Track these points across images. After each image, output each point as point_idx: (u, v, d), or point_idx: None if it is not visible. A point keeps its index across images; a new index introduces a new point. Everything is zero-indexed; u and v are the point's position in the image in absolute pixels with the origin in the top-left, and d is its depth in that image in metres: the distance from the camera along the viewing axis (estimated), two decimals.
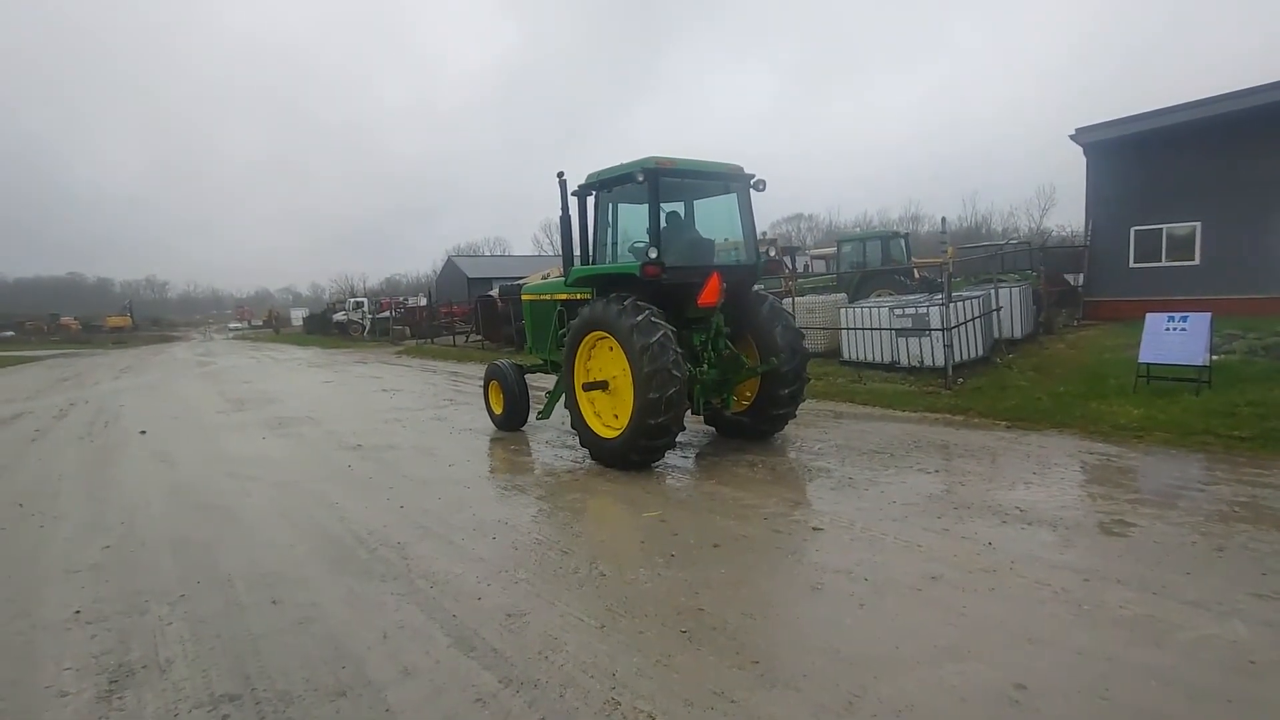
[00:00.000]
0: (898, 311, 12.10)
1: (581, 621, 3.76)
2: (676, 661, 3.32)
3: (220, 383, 17.59)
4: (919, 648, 3.35)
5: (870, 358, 12.60)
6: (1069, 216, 58.16)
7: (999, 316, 13.19)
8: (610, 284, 7.21)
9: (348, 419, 10.87)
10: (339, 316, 41.82)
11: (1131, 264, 17.86)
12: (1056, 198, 64.45)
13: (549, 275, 32.55)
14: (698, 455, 7.48)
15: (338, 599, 4.20)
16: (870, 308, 12.84)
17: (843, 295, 16.63)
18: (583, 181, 7.62)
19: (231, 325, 74.04)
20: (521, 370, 9.26)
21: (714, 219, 7.84)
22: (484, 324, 23.99)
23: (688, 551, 4.71)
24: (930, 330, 11.42)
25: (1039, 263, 18.72)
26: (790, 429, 8.19)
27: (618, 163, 7.24)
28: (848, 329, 12.98)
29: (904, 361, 11.97)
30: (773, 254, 7.15)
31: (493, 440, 8.75)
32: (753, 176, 7.51)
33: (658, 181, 6.87)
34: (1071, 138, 18.59)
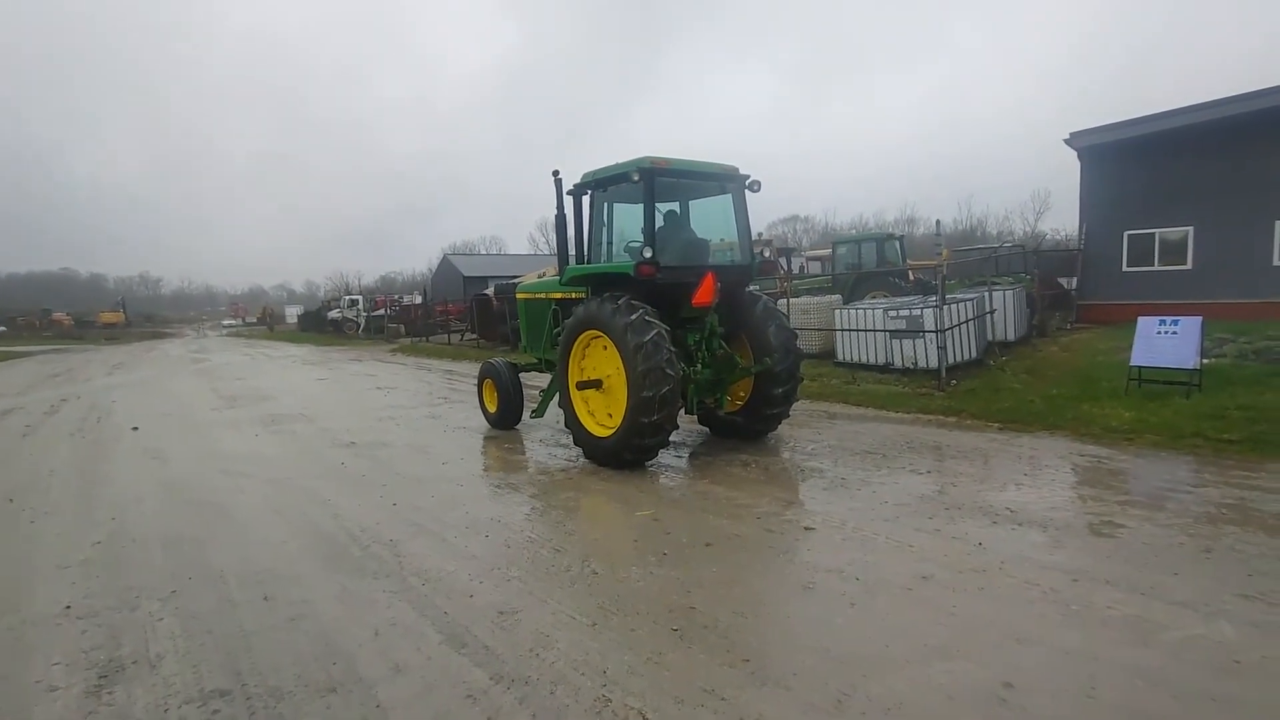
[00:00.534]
0: (892, 313, 12.15)
1: (573, 619, 3.77)
2: (668, 659, 3.33)
3: (213, 379, 17.52)
4: (909, 647, 3.37)
5: (864, 359, 12.64)
6: (1063, 220, 58.56)
7: (993, 319, 13.25)
8: (605, 283, 7.22)
9: (341, 416, 10.85)
10: (334, 314, 41.69)
11: (1124, 268, 17.95)
12: (1051, 201, 64.80)
13: (544, 274, 32.56)
14: (691, 455, 7.50)
15: (330, 596, 4.20)
16: (865, 309, 12.89)
17: (838, 297, 16.69)
18: (578, 181, 7.62)
19: (225, 322, 73.71)
20: (516, 369, 9.26)
21: (709, 219, 7.84)
22: (479, 322, 23.96)
23: (680, 550, 4.72)
24: (924, 332, 11.47)
25: (1033, 266, 18.82)
26: (784, 429, 8.21)
27: (613, 162, 7.25)
28: (842, 330, 13.02)
29: (898, 363, 12.01)
30: (768, 255, 7.20)
31: (486, 438, 8.75)
32: (748, 177, 7.53)
33: (653, 181, 6.88)
34: (1066, 141, 18.68)
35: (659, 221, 7.17)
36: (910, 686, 3.03)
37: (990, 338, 13.12)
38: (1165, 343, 8.75)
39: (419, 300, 38.15)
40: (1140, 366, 8.90)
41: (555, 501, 6.03)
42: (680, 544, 4.84)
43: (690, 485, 6.35)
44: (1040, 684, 3.00)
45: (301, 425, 10.16)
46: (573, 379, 7.34)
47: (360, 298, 45.40)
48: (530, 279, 30.58)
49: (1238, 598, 3.71)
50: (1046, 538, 4.67)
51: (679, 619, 3.72)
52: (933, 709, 2.87)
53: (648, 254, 6.75)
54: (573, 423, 7.28)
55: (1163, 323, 8.86)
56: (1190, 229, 16.88)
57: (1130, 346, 9.11)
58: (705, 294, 6.91)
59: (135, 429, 10.24)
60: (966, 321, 11.84)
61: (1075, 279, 18.93)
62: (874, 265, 19.40)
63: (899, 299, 14.40)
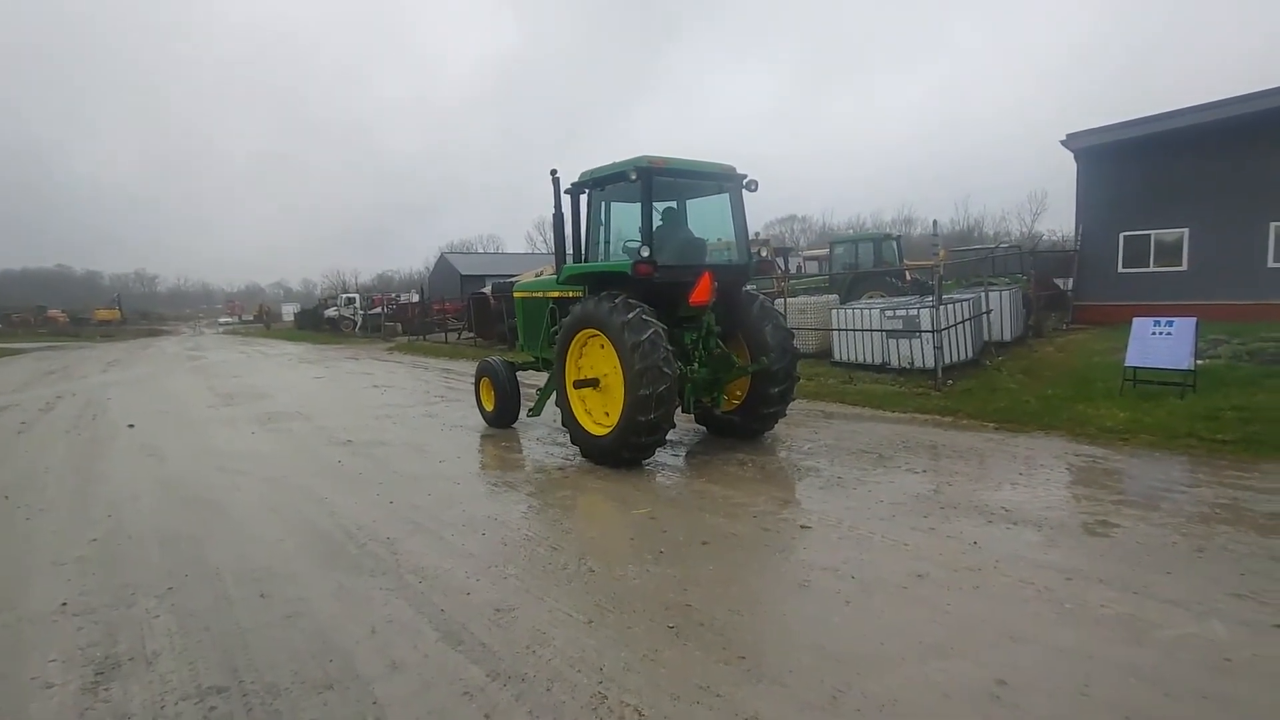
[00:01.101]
0: (889, 313, 12.17)
1: (570, 617, 3.78)
2: (664, 657, 3.34)
3: (209, 377, 17.49)
4: (904, 645, 3.38)
5: (861, 359, 12.67)
6: (1060, 221, 58.60)
7: (989, 319, 13.29)
8: (602, 282, 7.21)
9: (338, 415, 10.84)
10: (330, 312, 41.63)
11: (1120, 269, 18.02)
12: (1048, 202, 65.03)
13: (542, 273, 32.54)
14: (688, 453, 7.51)
15: (326, 593, 4.20)
16: (862, 309, 12.92)
17: (835, 296, 16.72)
18: (576, 180, 7.62)
19: (221, 320, 73.52)
20: (513, 367, 9.24)
21: (707, 219, 7.84)
22: (476, 321, 23.95)
23: (677, 548, 4.74)
24: (921, 332, 11.50)
25: (1029, 266, 18.88)
26: (780, 428, 8.23)
27: (611, 161, 7.25)
28: (839, 330, 13.04)
29: (894, 363, 12.04)
30: (765, 254, 7.20)
31: (483, 437, 8.76)
32: (745, 176, 7.53)
33: (651, 180, 6.88)
34: (1062, 143, 18.73)
35: (656, 220, 7.18)
36: (905, 684, 3.04)
37: (986, 338, 13.16)
38: (1160, 343, 8.79)
39: (416, 299, 38.10)
40: (1135, 367, 8.94)
41: (552, 500, 6.04)
42: (677, 542, 4.85)
43: (687, 484, 6.36)
44: (1034, 682, 3.02)
45: (298, 423, 10.15)
46: (570, 377, 7.33)
47: (357, 296, 45.35)
48: (527, 278, 30.60)
49: (1230, 597, 3.73)
50: (1041, 537, 4.69)
51: (675, 616, 3.74)
52: (928, 706, 2.89)
53: (645, 253, 6.75)
54: (570, 421, 7.28)
55: (1158, 323, 8.90)
56: (1186, 230, 16.95)
57: (1125, 347, 9.14)
58: (702, 293, 6.93)
59: (131, 426, 10.22)
60: (963, 322, 11.88)
61: (1071, 280, 19.00)
62: (871, 265, 19.44)
63: (896, 299, 14.43)
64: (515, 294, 9.83)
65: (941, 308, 10.90)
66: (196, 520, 5.73)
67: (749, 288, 8.00)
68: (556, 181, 7.62)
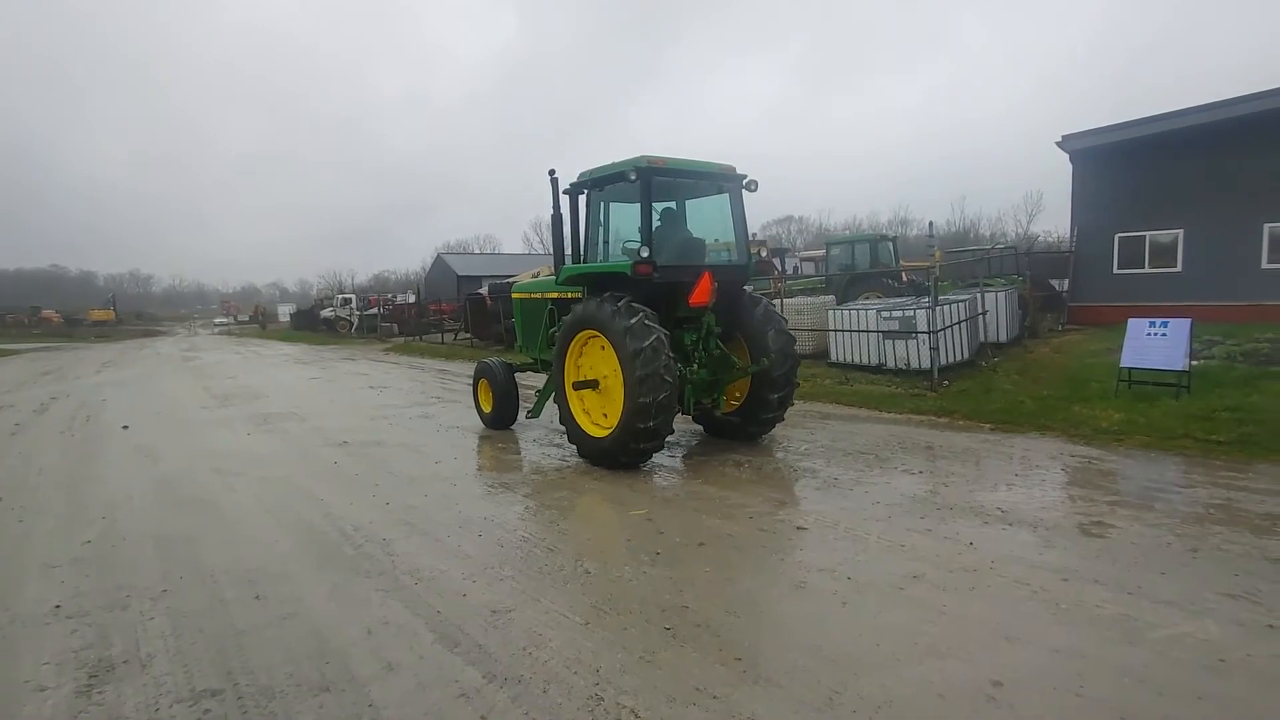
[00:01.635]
0: (885, 314, 12.20)
1: (566, 618, 3.78)
2: (660, 658, 3.34)
3: (205, 378, 17.43)
4: (900, 645, 3.39)
5: (857, 360, 12.69)
6: (1055, 222, 58.83)
7: (985, 320, 13.32)
8: (601, 283, 7.19)
9: (334, 415, 10.82)
10: (327, 313, 41.54)
11: (1115, 270, 18.10)
12: (1044, 203, 65.19)
13: (539, 274, 32.52)
14: (685, 454, 7.51)
15: (322, 595, 4.19)
16: (858, 310, 12.94)
17: (831, 297, 16.74)
18: (575, 180, 7.59)
19: (217, 320, 73.27)
20: (511, 369, 9.20)
21: (706, 219, 7.82)
22: (473, 322, 23.93)
23: (673, 550, 4.74)
24: (917, 333, 11.52)
25: (1025, 268, 18.91)
26: (777, 429, 8.23)
27: (609, 161, 7.25)
28: (835, 331, 13.06)
29: (890, 364, 12.07)
30: (764, 255, 7.15)
31: (480, 438, 8.74)
32: (745, 177, 7.52)
33: (650, 180, 6.86)
34: (1058, 144, 18.82)
35: (655, 221, 7.17)
36: (901, 685, 3.05)
37: (982, 339, 13.19)
38: (1155, 344, 8.83)
39: (412, 299, 38.04)
40: (1130, 368, 8.97)
41: (548, 501, 6.04)
42: (673, 543, 4.85)
43: (683, 485, 6.36)
44: (1029, 682, 3.03)
45: (294, 424, 10.13)
46: (569, 378, 7.31)
47: (353, 296, 45.28)
48: (525, 278, 30.56)
49: (1223, 597, 3.75)
50: (1037, 538, 4.71)
51: (672, 618, 3.73)
52: (923, 707, 2.89)
53: (645, 253, 6.72)
54: (568, 422, 7.26)
55: (1152, 324, 8.93)
56: (1180, 232, 17.04)
57: (1120, 348, 9.18)
58: (702, 294, 6.90)
59: (126, 427, 10.18)
60: (959, 323, 11.90)
61: (1067, 281, 19.07)
62: (867, 266, 19.46)
63: (892, 300, 14.45)
64: (513, 295, 9.77)
65: (937, 309, 10.93)
66: (191, 521, 5.71)
67: (748, 288, 7.99)
68: (555, 182, 7.61)
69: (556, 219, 7.75)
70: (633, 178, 6.79)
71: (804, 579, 4.20)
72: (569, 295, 8.06)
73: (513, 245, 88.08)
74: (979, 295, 13.47)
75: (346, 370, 18.45)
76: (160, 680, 3.30)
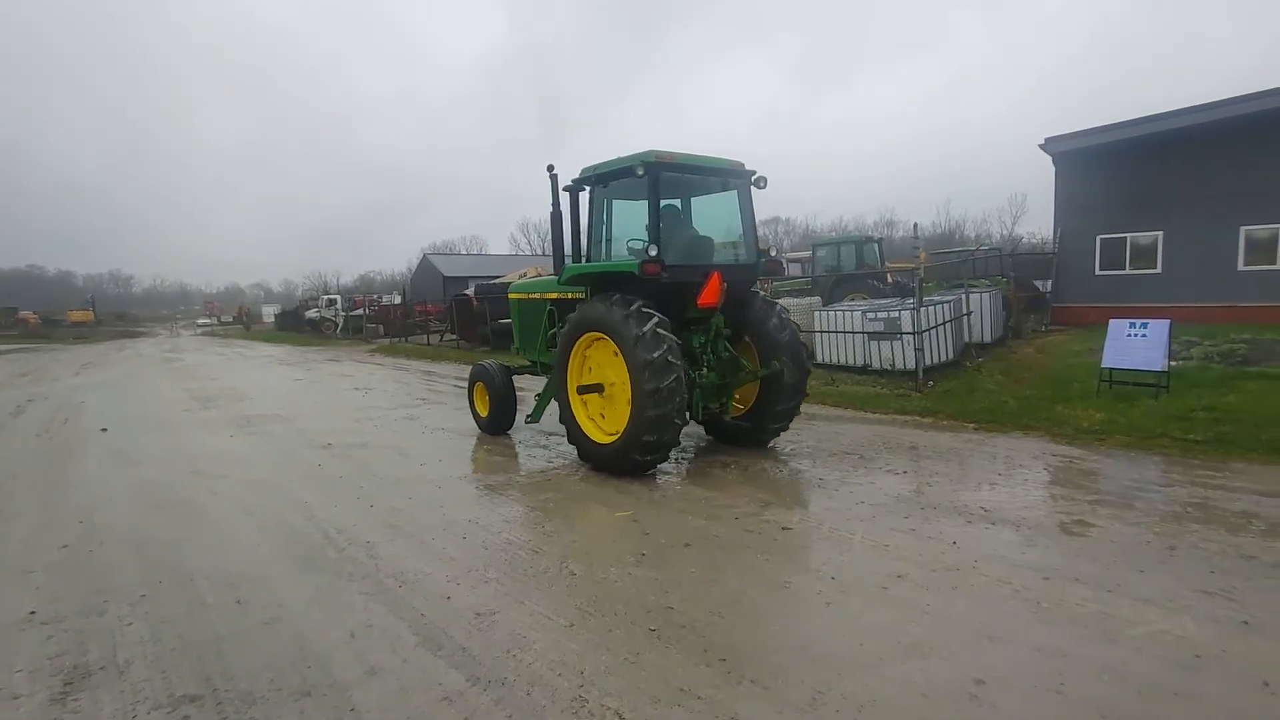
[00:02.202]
0: (870, 315, 12.27)
1: (550, 620, 3.77)
2: (645, 659, 3.34)
3: (187, 379, 17.22)
4: (883, 645, 3.41)
5: (843, 360, 12.76)
6: (1039, 224, 59.54)
7: (969, 321, 13.44)
8: (605, 283, 6.93)
9: (318, 417, 10.72)
10: (312, 314, 41.17)
11: (1097, 271, 18.34)
12: (1028, 205, 65.96)
13: (526, 274, 32.39)
14: (672, 455, 7.50)
15: (304, 598, 4.15)
16: (844, 311, 13.01)
17: (817, 298, 16.82)
18: (577, 176, 7.31)
19: (200, 321, 72.32)
20: (509, 371, 8.89)
21: (714, 217, 7.56)
22: (459, 323, 23.80)
23: (658, 551, 4.74)
24: (902, 334, 11.61)
25: (1009, 269, 19.12)
26: None
27: (610, 157, 7.01)
28: (821, 332, 13.13)
29: (876, 364, 12.14)
30: (774, 254, 6.97)
31: (466, 440, 8.70)
32: (754, 173, 7.30)
33: (658, 176, 6.61)
34: (1041, 147, 19.04)
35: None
36: (884, 684, 3.06)
37: (967, 339, 13.31)
38: (1135, 345, 8.95)
39: (398, 300, 37.80)
40: (1111, 368, 9.09)
41: (534, 503, 6.02)
42: (659, 544, 4.85)
43: (670, 485, 6.36)
44: (1011, 680, 3.06)
45: (277, 426, 10.03)
46: (572, 382, 7.07)
47: (339, 297, 44.95)
48: (513, 279, 30.43)
49: (1199, 594, 3.80)
50: (1019, 537, 4.75)
51: (656, 619, 3.73)
52: (906, 706, 2.91)
53: (653, 252, 6.43)
54: (571, 426, 7.01)
55: (1133, 325, 9.05)
56: (1160, 234, 17.29)
57: (1102, 348, 9.30)
58: (711, 294, 6.65)
59: (104, 430, 10.03)
60: (943, 323, 12.00)
61: (1050, 282, 19.28)
62: (853, 267, 19.58)
63: (878, 301, 14.55)
64: (511, 295, 9.42)
65: (922, 310, 11.01)
66: (171, 525, 5.63)
67: (759, 291, 7.72)
68: (554, 178, 7.35)
69: (556, 217, 7.46)
70: (640, 173, 6.55)
71: (789, 579, 4.21)
72: (569, 296, 7.83)
73: (500, 246, 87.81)
74: (964, 296, 13.59)
75: (331, 372, 18.30)
76: (138, 687, 3.25)
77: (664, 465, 7.11)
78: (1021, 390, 9.88)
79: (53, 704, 3.14)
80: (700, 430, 8.31)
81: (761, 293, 7.73)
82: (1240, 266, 16.14)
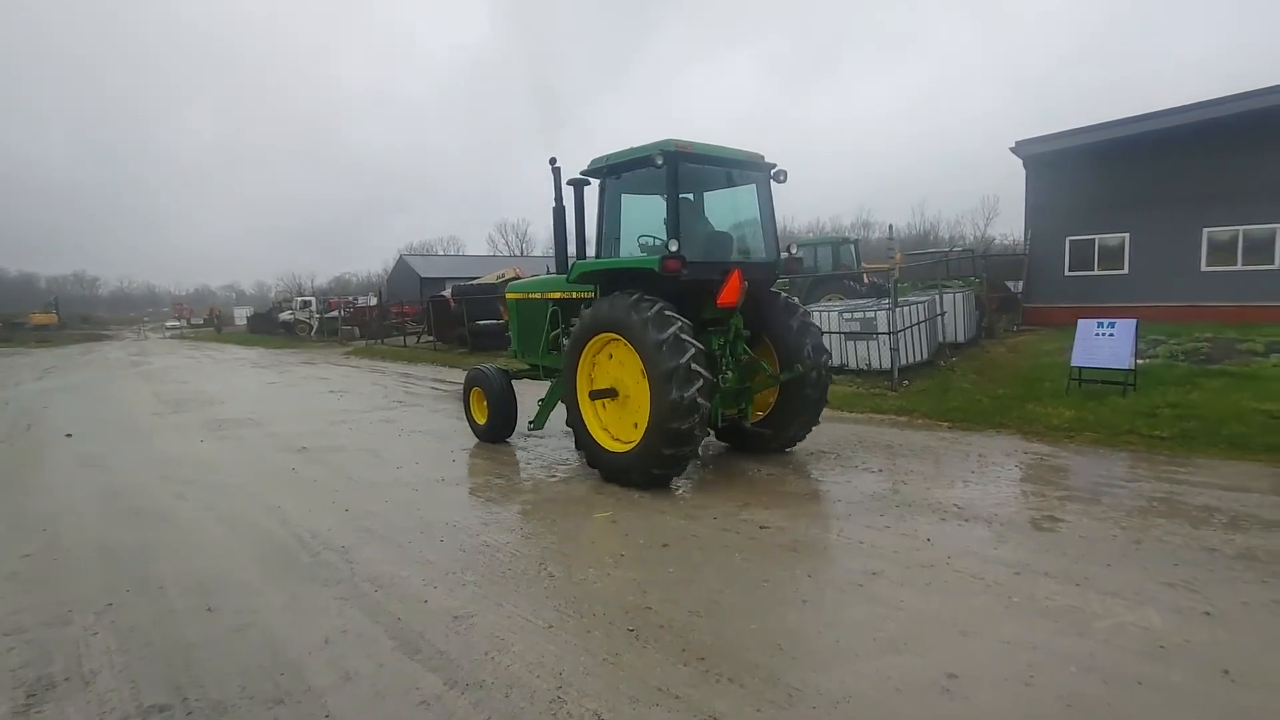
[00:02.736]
0: (847, 315, 12.40)
1: (529, 622, 3.75)
2: (623, 660, 3.34)
3: (156, 383, 16.85)
4: (858, 641, 3.45)
5: None
6: (1011, 225, 60.67)
7: (943, 321, 13.64)
8: (617, 281, 6.52)
9: (292, 421, 10.56)
10: (285, 316, 40.53)
11: (1067, 272, 18.71)
12: (1000, 207, 67.14)
13: (504, 275, 32.21)
14: None
15: (278, 604, 4.08)
16: (820, 311, 13.12)
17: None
18: (586, 167, 6.90)
19: (169, 324, 70.68)
20: (508, 375, 8.41)
21: (732, 211, 7.18)
22: (436, 324, 23.60)
23: (637, 551, 4.74)
24: (877, 334, 11.75)
25: (982, 270, 19.45)
26: None
27: (621, 148, 6.65)
28: None
29: (852, 364, 12.27)
30: (794, 251, 6.57)
31: (443, 442, 8.62)
32: (773, 166, 6.92)
33: (678, 166, 6.22)
34: (1012, 150, 19.38)
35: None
36: (859, 680, 3.10)
37: (941, 339, 13.50)
38: (1103, 344, 9.16)
39: (374, 301, 37.38)
40: (1080, 367, 9.29)
41: (512, 505, 5.99)
42: (638, 545, 4.86)
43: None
44: (982, 674, 3.11)
45: (250, 430, 9.86)
46: (583, 386, 6.64)
47: (313, 299, 44.28)
48: (491, 280, 30.24)
49: (1163, 586, 3.90)
50: (991, 533, 4.84)
51: (635, 619, 3.74)
52: (881, 701, 2.95)
53: (674, 247, 6.00)
54: (581, 434, 6.60)
55: (1101, 325, 9.27)
56: (1127, 235, 17.70)
57: (1071, 348, 9.50)
58: (731, 294, 6.26)
59: (69, 435, 9.77)
60: (918, 324, 12.17)
61: (1021, 282, 19.64)
62: (830, 268, 19.77)
63: (854, 301, 14.71)
64: (509, 296, 8.97)
65: (897, 310, 11.16)
66: (139, 532, 5.51)
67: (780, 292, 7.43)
68: (557, 171, 7.07)
69: (559, 212, 7.13)
70: (659, 163, 6.12)
71: (766, 578, 4.25)
72: (574, 295, 7.46)
73: (477, 247, 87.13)
74: (938, 297, 13.79)
75: (306, 374, 18.04)
76: (104, 697, 3.18)
77: None
78: (994, 389, 10.05)
79: (15, 716, 3.06)
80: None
81: (782, 294, 7.42)
82: (1203, 267, 16.58)
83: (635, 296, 6.05)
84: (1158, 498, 5.48)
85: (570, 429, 6.81)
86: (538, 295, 8.29)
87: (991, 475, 6.31)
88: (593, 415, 6.61)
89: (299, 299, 44.62)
